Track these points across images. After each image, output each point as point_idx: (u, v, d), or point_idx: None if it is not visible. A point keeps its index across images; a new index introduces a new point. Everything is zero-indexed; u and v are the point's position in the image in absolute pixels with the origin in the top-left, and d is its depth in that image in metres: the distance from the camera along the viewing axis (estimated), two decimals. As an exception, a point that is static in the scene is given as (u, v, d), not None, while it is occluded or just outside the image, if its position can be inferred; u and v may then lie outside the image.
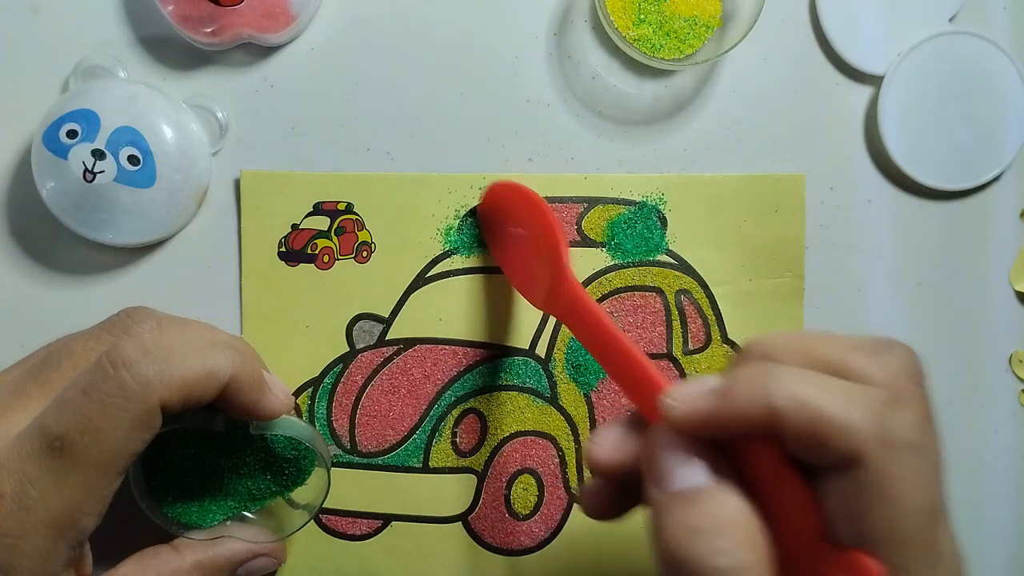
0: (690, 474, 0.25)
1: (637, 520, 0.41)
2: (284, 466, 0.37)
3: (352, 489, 0.41)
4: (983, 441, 0.43)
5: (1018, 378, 0.43)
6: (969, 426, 0.43)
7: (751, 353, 0.27)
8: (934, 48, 0.41)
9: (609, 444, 0.29)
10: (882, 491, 0.24)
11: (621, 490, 0.30)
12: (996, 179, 0.42)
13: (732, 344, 0.42)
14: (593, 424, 0.41)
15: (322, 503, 0.37)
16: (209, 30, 0.38)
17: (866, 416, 0.24)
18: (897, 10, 0.41)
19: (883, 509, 0.24)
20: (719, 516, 0.24)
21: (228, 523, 0.37)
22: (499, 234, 0.40)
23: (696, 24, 0.40)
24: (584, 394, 0.41)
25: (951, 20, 0.42)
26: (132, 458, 0.30)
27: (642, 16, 0.40)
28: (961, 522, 0.43)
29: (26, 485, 0.29)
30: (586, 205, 0.41)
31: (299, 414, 0.41)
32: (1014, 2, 0.42)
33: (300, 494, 0.38)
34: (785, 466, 0.25)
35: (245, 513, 0.37)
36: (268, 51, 0.41)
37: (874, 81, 0.42)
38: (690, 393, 0.26)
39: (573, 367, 0.41)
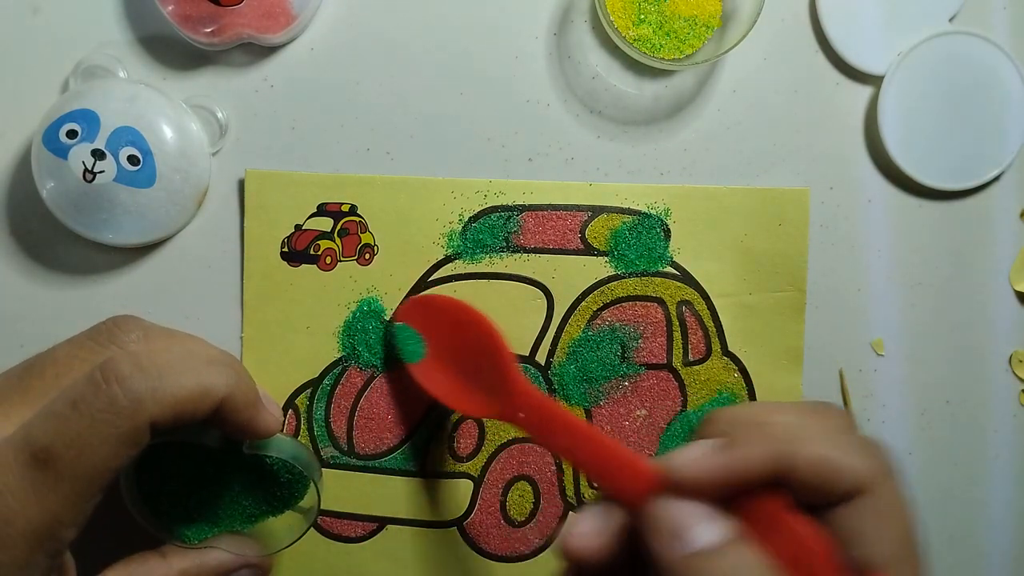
0: (710, 531, 0.26)
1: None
2: (276, 489, 0.37)
3: (348, 491, 0.41)
4: (983, 441, 0.43)
5: (1018, 378, 0.43)
6: (969, 426, 0.43)
7: (717, 419, 0.29)
8: (934, 48, 0.41)
9: (589, 531, 0.29)
10: (894, 511, 0.27)
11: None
12: (996, 179, 0.42)
13: (732, 356, 0.42)
14: None
15: (313, 521, 0.37)
16: (209, 30, 0.38)
17: (861, 453, 0.27)
18: (897, 10, 0.41)
19: (894, 528, 0.26)
20: (748, 565, 0.25)
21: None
22: (426, 349, 0.39)
23: (696, 24, 0.40)
24: (585, 408, 0.41)
25: (951, 20, 0.42)
26: (116, 473, 0.29)
27: (642, 16, 0.40)
28: (961, 522, 0.43)
29: (6, 496, 0.28)
30: (590, 214, 0.41)
31: (297, 419, 0.41)
32: (1014, 2, 0.42)
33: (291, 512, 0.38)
34: (795, 510, 0.27)
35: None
36: (268, 51, 0.41)
37: (874, 81, 0.42)
38: (692, 455, 0.27)
39: (579, 380, 0.41)
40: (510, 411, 0.34)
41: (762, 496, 0.27)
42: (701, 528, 0.26)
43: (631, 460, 0.29)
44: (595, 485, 0.41)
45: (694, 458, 0.27)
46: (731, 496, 0.27)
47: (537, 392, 0.34)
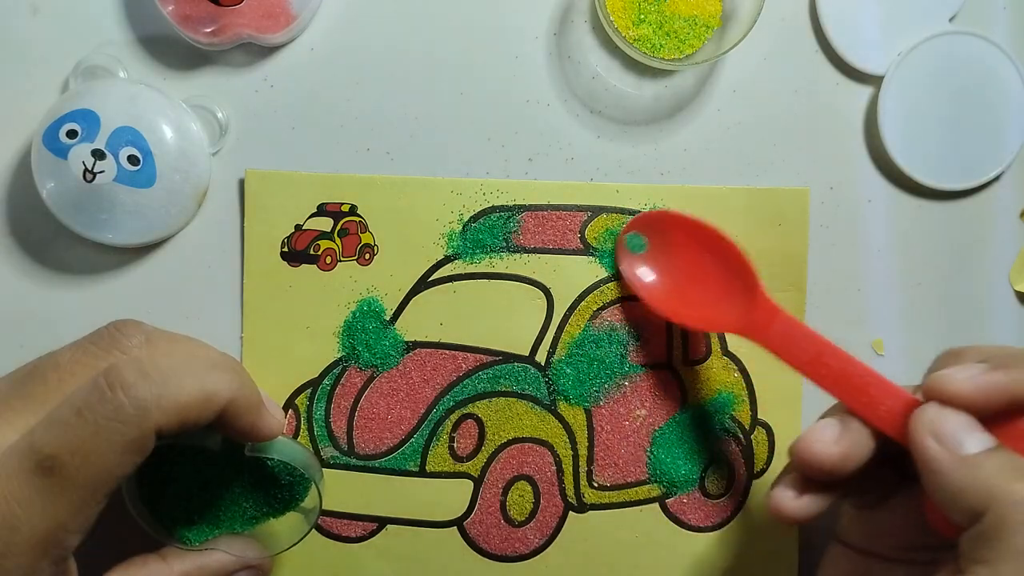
0: (981, 439, 0.30)
1: (630, 530, 0.41)
2: (277, 491, 0.37)
3: (348, 491, 0.41)
4: (983, 441, 0.43)
5: (1018, 378, 0.43)
6: (969, 426, 0.43)
7: (967, 353, 0.33)
8: (934, 48, 0.41)
9: (830, 439, 0.32)
10: None
11: (817, 489, 0.33)
12: (996, 179, 0.42)
13: (732, 356, 0.42)
14: (591, 432, 0.41)
15: (314, 523, 0.37)
16: (209, 30, 0.38)
17: None
18: (897, 10, 0.41)
19: None
20: (1016, 467, 0.29)
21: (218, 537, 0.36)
22: (652, 262, 0.40)
23: (696, 24, 0.40)
24: (585, 408, 0.41)
25: (951, 20, 0.42)
26: (121, 480, 0.30)
27: (642, 16, 0.40)
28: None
29: (11, 503, 0.28)
30: (589, 214, 0.41)
31: (297, 419, 0.41)
32: (1014, 2, 0.42)
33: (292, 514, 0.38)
34: None
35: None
36: (268, 51, 0.41)
37: (874, 81, 0.42)
38: (965, 374, 0.31)
39: (579, 380, 0.41)
40: (755, 327, 0.37)
41: (1018, 417, 0.30)
42: (973, 436, 0.30)
43: (880, 380, 0.33)
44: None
45: (967, 376, 0.30)
46: (987, 415, 0.30)
47: (785, 312, 0.36)
